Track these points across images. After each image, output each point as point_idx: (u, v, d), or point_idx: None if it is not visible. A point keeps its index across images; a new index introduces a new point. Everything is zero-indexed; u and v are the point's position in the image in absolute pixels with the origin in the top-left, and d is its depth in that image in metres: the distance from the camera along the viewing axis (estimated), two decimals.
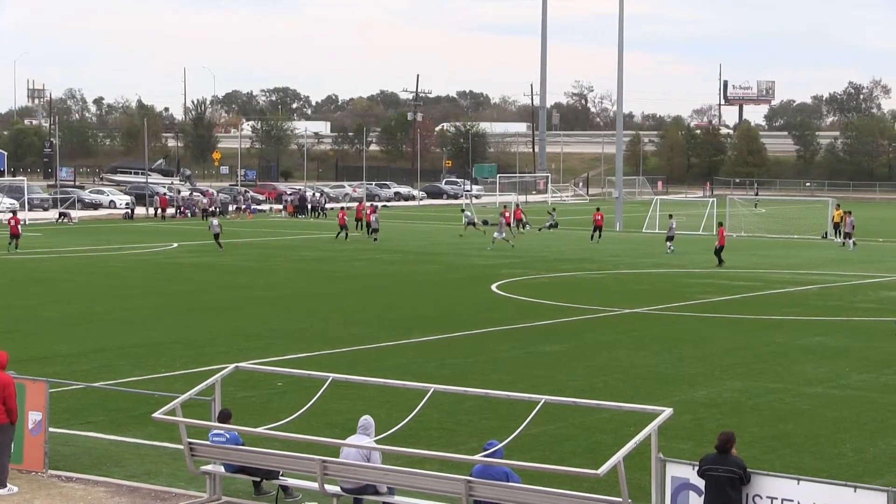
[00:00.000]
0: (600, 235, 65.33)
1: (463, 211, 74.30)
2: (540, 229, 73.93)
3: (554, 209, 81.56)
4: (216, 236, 58.13)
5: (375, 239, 63.17)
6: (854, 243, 61.43)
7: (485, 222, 73.46)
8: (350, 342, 29.64)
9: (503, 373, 25.75)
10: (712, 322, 34.55)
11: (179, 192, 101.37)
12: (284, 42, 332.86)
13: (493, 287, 42.26)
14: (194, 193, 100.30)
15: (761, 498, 13.30)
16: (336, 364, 25.48)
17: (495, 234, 61.26)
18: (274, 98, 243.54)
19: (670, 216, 61.96)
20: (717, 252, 51.76)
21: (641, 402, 17.61)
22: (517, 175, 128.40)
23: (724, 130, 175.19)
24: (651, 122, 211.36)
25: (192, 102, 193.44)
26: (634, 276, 47.65)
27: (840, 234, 66.49)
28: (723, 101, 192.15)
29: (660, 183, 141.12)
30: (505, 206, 78.91)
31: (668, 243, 58.49)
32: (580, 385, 24.19)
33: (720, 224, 55.57)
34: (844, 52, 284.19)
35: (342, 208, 74.05)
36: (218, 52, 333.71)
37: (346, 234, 64.99)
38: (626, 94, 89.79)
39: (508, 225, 64.64)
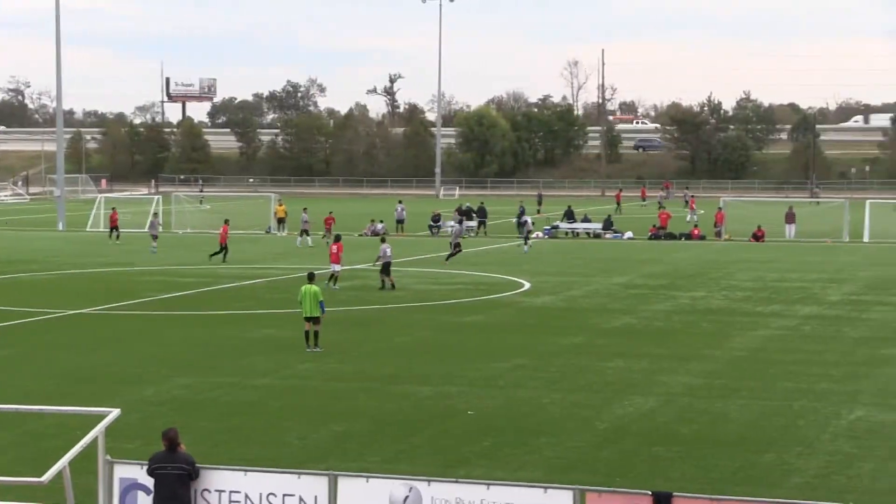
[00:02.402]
0: (118, 237, 63.21)
1: None
2: None
3: None
4: None
5: None
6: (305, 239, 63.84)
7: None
8: None
9: None
10: (162, 319, 34.62)
11: None
12: None
13: None
14: None
15: (210, 492, 13.55)
16: None
17: None
18: None
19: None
20: (222, 250, 51.98)
21: (89, 404, 17.37)
22: None
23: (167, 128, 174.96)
24: (93, 119, 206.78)
25: None
26: (81, 276, 46.77)
27: (284, 228, 68.87)
28: (166, 99, 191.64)
29: (104, 181, 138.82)
30: None
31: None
32: (27, 390, 23.51)
33: (226, 221, 55.14)
34: (283, 51, 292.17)
35: None
36: None
37: None
38: (67, 90, 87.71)
39: None
